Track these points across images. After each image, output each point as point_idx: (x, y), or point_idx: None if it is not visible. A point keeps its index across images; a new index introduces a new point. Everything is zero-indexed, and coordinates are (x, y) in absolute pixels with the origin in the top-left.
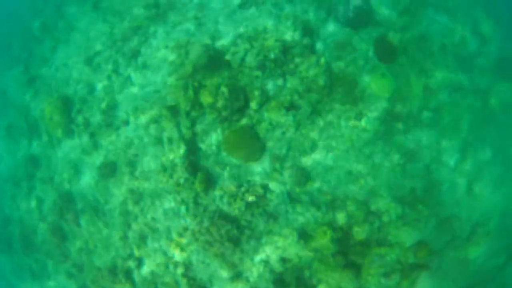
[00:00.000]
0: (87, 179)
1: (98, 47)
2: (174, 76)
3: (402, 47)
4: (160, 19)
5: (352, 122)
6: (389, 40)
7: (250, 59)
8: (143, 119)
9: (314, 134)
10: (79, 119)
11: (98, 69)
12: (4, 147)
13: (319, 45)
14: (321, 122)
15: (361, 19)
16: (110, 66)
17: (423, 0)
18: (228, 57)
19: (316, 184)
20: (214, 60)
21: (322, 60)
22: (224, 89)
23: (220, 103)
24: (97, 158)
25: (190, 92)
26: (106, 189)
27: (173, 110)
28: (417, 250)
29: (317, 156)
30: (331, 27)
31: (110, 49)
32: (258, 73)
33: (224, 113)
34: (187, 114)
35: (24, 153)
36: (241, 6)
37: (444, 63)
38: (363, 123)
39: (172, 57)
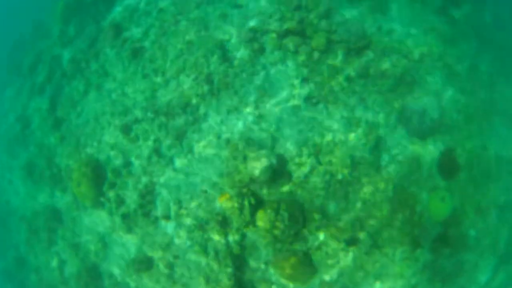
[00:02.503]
0: (117, 261)
1: (137, 112)
2: (226, 180)
3: (464, 161)
4: (213, 98)
5: (406, 254)
6: (453, 154)
7: (315, 178)
8: (188, 221)
9: (368, 266)
10: (111, 194)
11: (136, 141)
12: (21, 183)
13: (385, 158)
14: (377, 254)
15: (432, 130)
16: (150, 143)
17: (490, 108)
18: (290, 167)
19: None
20: (276, 171)
21: (390, 187)
22: (284, 213)
23: (277, 230)
24: (130, 244)
25: (246, 212)
26: (140, 278)
27: (223, 222)
28: None
29: (366, 286)
30: (399, 135)
31: (151, 121)
32: (321, 192)
33: (280, 237)
34: (238, 229)
35: (45, 201)
36: (308, 100)
37: (498, 179)
38: (416, 255)
39: (225, 153)
